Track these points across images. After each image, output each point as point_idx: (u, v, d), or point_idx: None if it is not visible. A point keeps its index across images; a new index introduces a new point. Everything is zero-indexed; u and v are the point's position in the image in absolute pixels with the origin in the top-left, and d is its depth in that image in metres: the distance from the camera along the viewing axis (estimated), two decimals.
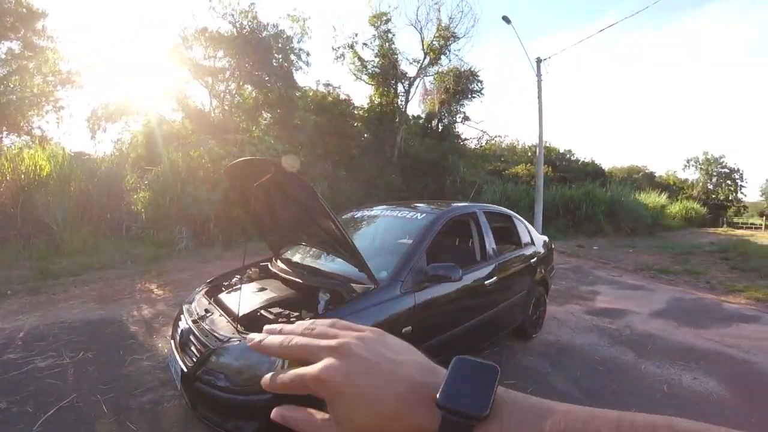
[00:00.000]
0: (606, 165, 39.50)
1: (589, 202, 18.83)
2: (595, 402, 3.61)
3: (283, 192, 3.14)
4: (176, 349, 2.84)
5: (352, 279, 3.05)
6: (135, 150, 15.19)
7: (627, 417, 0.39)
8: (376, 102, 22.67)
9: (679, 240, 19.07)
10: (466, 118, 25.66)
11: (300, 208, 3.10)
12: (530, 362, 4.42)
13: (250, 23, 17.10)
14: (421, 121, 25.45)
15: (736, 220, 47.36)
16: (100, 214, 10.40)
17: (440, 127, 25.05)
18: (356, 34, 22.63)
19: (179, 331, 2.93)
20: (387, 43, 21.83)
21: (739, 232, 31.21)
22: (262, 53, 16.69)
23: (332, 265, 3.51)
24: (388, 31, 21.82)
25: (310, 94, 20.62)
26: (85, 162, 11.82)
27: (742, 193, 51.21)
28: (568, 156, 35.01)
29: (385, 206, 4.54)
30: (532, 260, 4.91)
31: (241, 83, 18.02)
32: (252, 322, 2.76)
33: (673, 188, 44.46)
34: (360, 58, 22.45)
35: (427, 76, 23.54)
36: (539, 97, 15.40)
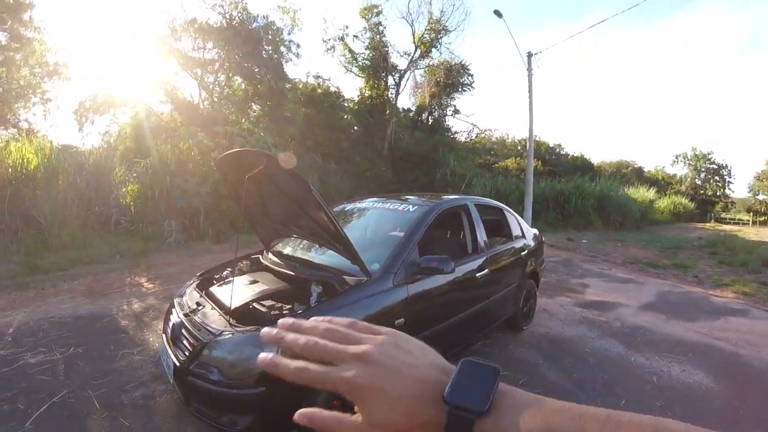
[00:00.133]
0: (595, 159, 39.85)
1: (579, 196, 18.94)
2: (585, 393, 3.65)
3: (275, 184, 3.12)
4: (168, 343, 2.83)
5: (345, 271, 3.05)
6: (123, 142, 15.01)
7: (614, 416, 0.42)
8: (366, 95, 22.66)
9: (668, 234, 19.24)
10: (456, 112, 25.76)
11: (292, 200, 3.09)
12: (522, 354, 4.45)
13: (239, 14, 16.94)
14: (411, 114, 25.47)
15: (723, 215, 47.97)
16: (89, 208, 10.27)
17: (430, 120, 25.09)
18: (347, 26, 22.61)
19: (171, 324, 2.91)
20: (378, 36, 21.81)
21: (726, 227, 31.55)
22: (252, 45, 16.54)
23: (324, 257, 3.51)
24: (379, 23, 21.81)
25: (300, 86, 20.53)
26: (72, 155, 11.67)
27: (729, 189, 51.91)
28: (557, 150, 35.21)
29: (376, 198, 4.54)
30: (523, 253, 4.94)
31: (230, 75, 17.87)
32: (244, 315, 2.75)
33: (662, 183, 44.91)
34: (350, 51, 22.43)
35: (417, 69, 23.61)
36: (530, 91, 15.45)
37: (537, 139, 27.79)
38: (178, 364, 2.55)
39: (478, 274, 3.84)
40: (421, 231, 3.43)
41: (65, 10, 38.55)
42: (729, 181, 51.43)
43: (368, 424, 0.48)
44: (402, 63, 22.90)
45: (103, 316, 4.97)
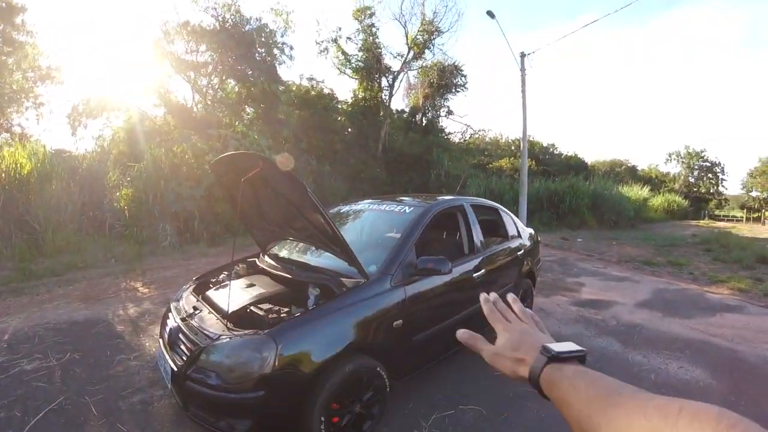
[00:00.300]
0: (589, 159, 39.98)
1: (573, 196, 18.99)
2: None
3: (271, 187, 3.12)
4: (165, 348, 2.81)
5: (342, 273, 3.05)
6: (117, 146, 14.95)
7: (642, 394, 0.56)
8: (359, 96, 22.68)
9: (662, 232, 19.35)
10: (450, 113, 25.82)
11: (288, 202, 3.08)
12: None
13: (232, 17, 16.89)
14: (405, 116, 25.49)
15: (717, 212, 48.17)
16: (83, 212, 10.21)
17: (424, 122, 25.14)
18: (340, 28, 22.75)
19: (168, 329, 2.90)
20: (371, 37, 21.82)
21: (720, 224, 31.75)
22: (245, 47, 16.51)
23: (320, 259, 3.51)
24: (372, 25, 21.83)
25: (294, 88, 20.49)
26: (66, 159, 11.61)
27: (723, 186, 52.27)
28: (551, 150, 35.28)
29: (371, 200, 4.54)
30: (519, 252, 4.94)
31: (223, 78, 17.83)
32: (242, 318, 2.75)
33: (655, 181, 45.12)
34: (344, 52, 22.43)
35: (411, 70, 23.67)
36: (523, 91, 15.49)
37: (530, 138, 27.93)
38: (175, 368, 2.54)
39: (475, 275, 3.84)
40: (418, 232, 3.43)
41: (58, 13, 38.32)
42: (722, 179, 51.82)
43: (495, 347, 0.79)
44: (395, 64, 22.97)
45: (99, 322, 4.94)
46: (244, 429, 2.33)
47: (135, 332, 4.67)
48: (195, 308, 2.97)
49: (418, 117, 25.19)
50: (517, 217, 6.53)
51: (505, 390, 3.51)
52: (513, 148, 31.37)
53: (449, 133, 27.04)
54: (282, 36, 18.41)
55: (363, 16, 21.64)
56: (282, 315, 2.71)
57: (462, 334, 0.84)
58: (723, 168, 51.39)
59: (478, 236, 4.16)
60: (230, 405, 2.33)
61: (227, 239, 10.86)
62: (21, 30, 18.51)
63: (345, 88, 29.60)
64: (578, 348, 0.70)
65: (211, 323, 2.72)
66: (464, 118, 32.57)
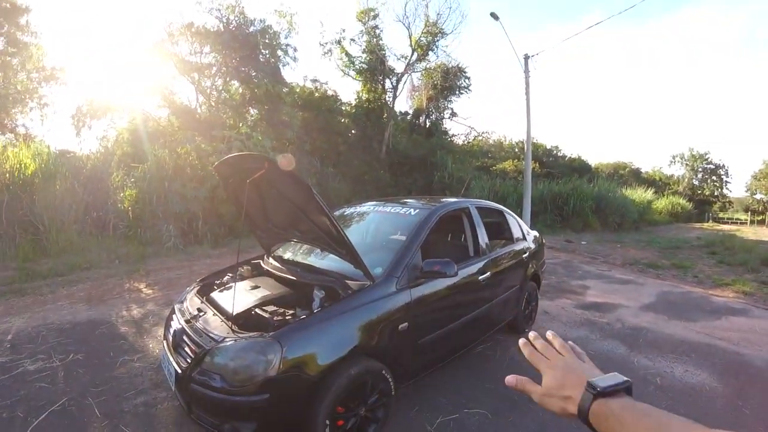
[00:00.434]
0: (592, 161, 39.73)
1: (577, 198, 18.89)
2: None
3: (276, 188, 3.11)
4: (169, 349, 2.80)
5: (347, 276, 3.02)
6: (121, 147, 14.93)
7: (669, 419, 0.63)
8: (363, 98, 22.63)
9: (666, 235, 19.27)
10: (453, 114, 25.82)
11: (293, 204, 3.07)
12: (524, 356, 4.41)
13: (236, 18, 16.86)
14: (408, 117, 25.50)
15: (721, 215, 48.06)
16: (87, 213, 10.23)
17: (428, 123, 25.14)
18: (344, 30, 22.64)
19: (172, 331, 2.88)
20: (374, 39, 21.79)
21: (725, 227, 31.63)
22: (249, 49, 16.49)
23: (325, 261, 3.48)
24: (376, 26, 21.81)
25: (298, 90, 20.46)
26: (70, 160, 11.65)
27: (727, 188, 52.13)
28: (554, 152, 35.14)
29: (375, 202, 4.52)
30: (524, 255, 4.91)
31: (227, 79, 17.79)
32: (246, 320, 2.74)
33: (659, 184, 44.97)
34: (347, 54, 22.39)
35: (414, 72, 23.63)
36: (527, 93, 15.46)
37: (534, 141, 27.81)
38: (179, 371, 2.52)
39: (480, 277, 3.82)
40: (424, 234, 3.40)
41: (62, 14, 38.44)
42: (726, 181, 51.66)
43: (543, 389, 0.81)
44: (399, 66, 22.92)
45: (102, 323, 4.94)
46: None
47: (138, 333, 4.67)
48: (199, 310, 2.96)
49: (421, 119, 25.19)
50: (522, 219, 6.51)
51: (509, 393, 3.48)
52: (517, 150, 31.31)
53: (453, 135, 27.06)
54: (286, 37, 18.38)
55: (366, 18, 21.63)
56: (287, 317, 2.70)
57: (510, 379, 0.87)
58: (727, 170, 51.31)
59: (483, 239, 4.13)
60: (234, 408, 2.31)
61: (231, 241, 10.86)
62: (25, 31, 18.60)
63: (349, 90, 29.73)
64: (623, 380, 0.72)
65: (216, 325, 2.71)
66: (468, 120, 32.68)
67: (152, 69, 17.01)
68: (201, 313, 2.90)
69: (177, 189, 10.57)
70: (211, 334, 2.58)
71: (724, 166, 51.20)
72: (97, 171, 11.52)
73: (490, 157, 29.54)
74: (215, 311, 2.90)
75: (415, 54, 22.27)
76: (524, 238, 5.15)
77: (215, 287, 3.44)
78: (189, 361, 2.53)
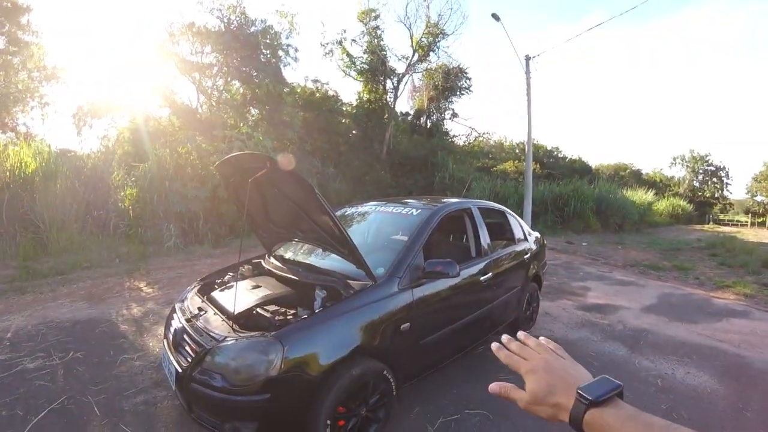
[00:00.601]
0: (593, 162, 39.71)
1: (577, 199, 18.86)
2: None
3: (278, 188, 3.09)
4: (169, 348, 2.78)
5: (349, 275, 3.01)
6: (121, 147, 14.92)
7: (674, 427, 0.62)
8: (364, 98, 22.69)
9: (667, 236, 19.26)
10: (454, 115, 25.86)
11: (295, 204, 3.06)
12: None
13: (237, 18, 16.88)
14: (409, 118, 25.53)
15: (722, 217, 48.07)
16: (87, 212, 10.23)
17: (429, 124, 25.17)
18: (345, 30, 22.68)
19: (172, 330, 2.87)
20: (376, 40, 21.84)
21: (725, 229, 31.65)
22: (250, 49, 16.51)
23: (327, 261, 3.47)
24: (377, 27, 21.86)
25: (299, 90, 20.49)
26: (71, 159, 11.64)
27: (727, 190, 52.21)
28: (555, 153, 35.14)
29: (377, 202, 4.51)
30: (526, 256, 4.90)
31: (228, 79, 17.80)
32: (248, 320, 2.73)
33: (660, 185, 44.99)
34: (348, 55, 22.45)
35: (415, 72, 23.68)
36: (528, 94, 15.44)
37: (535, 142, 27.79)
38: (180, 370, 2.51)
39: (482, 278, 3.81)
40: (426, 234, 3.39)
41: (63, 13, 38.48)
42: (727, 183, 51.76)
43: (528, 395, 0.78)
44: (400, 67, 22.98)
45: (103, 321, 4.93)
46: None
47: (139, 332, 4.66)
48: (200, 309, 2.95)
49: (422, 119, 25.22)
50: (523, 220, 6.51)
51: None
52: (517, 151, 31.32)
53: (454, 136, 27.12)
54: (287, 38, 18.40)
55: (368, 19, 21.66)
56: (288, 317, 2.69)
57: (493, 386, 0.85)
58: (728, 172, 51.36)
59: (485, 239, 4.12)
60: (235, 407, 2.30)
61: (231, 240, 10.86)
62: (26, 30, 18.63)
63: (350, 90, 29.77)
64: (614, 385, 0.71)
65: (217, 324, 2.70)
66: (469, 120, 32.76)
67: (153, 69, 17.08)
68: (202, 312, 2.89)
69: (178, 188, 10.57)
70: (212, 334, 2.56)
71: (724, 167, 51.32)
72: (97, 170, 11.53)
73: (490, 157, 29.55)
74: (216, 310, 2.89)
75: (416, 55, 22.32)
76: (526, 239, 5.14)
77: (216, 286, 3.43)
78: (190, 360, 2.51)
